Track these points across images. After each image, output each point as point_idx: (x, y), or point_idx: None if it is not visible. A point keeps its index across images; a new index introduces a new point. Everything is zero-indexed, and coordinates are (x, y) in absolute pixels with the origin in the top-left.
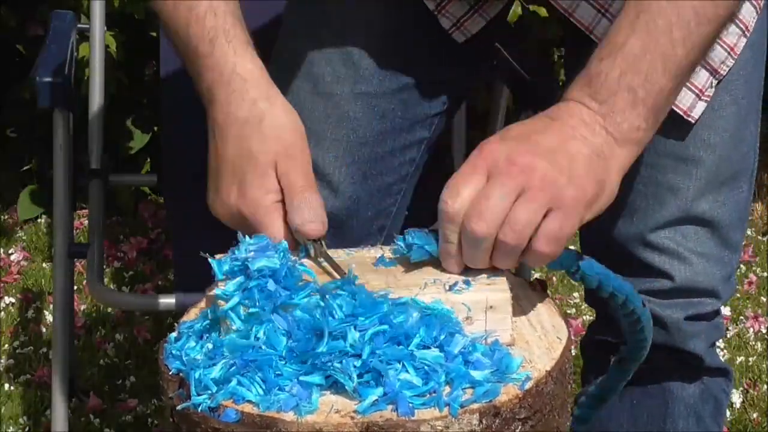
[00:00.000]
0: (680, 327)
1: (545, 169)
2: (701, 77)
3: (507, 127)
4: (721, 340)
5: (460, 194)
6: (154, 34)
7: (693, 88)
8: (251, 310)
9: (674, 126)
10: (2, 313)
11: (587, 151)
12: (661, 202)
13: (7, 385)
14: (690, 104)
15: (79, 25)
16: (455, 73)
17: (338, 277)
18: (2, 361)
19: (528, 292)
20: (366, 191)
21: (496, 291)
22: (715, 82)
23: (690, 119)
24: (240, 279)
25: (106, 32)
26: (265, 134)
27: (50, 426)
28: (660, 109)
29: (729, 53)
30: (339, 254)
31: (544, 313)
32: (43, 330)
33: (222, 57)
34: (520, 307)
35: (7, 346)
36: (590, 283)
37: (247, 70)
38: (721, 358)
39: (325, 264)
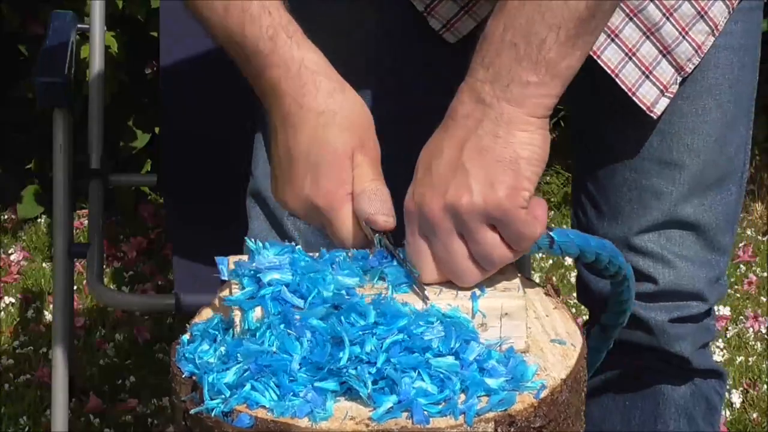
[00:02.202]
0: (665, 329)
1: (452, 201)
2: (666, 73)
3: (418, 160)
4: (720, 340)
5: (425, 269)
6: (155, 34)
7: (657, 83)
8: (265, 319)
9: (636, 120)
10: (2, 313)
11: (484, 143)
12: (645, 206)
13: (7, 385)
14: (654, 99)
15: (79, 26)
16: (452, 72)
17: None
18: (2, 361)
19: (542, 297)
20: None
21: (512, 298)
22: (679, 78)
23: (653, 114)
24: (251, 289)
25: (106, 32)
26: (341, 125)
27: (50, 426)
28: (551, 63)
29: (696, 51)
30: None
31: (558, 319)
32: (43, 330)
33: (286, 53)
34: (534, 313)
35: (7, 346)
36: (571, 252)
37: (314, 61)
38: (720, 357)
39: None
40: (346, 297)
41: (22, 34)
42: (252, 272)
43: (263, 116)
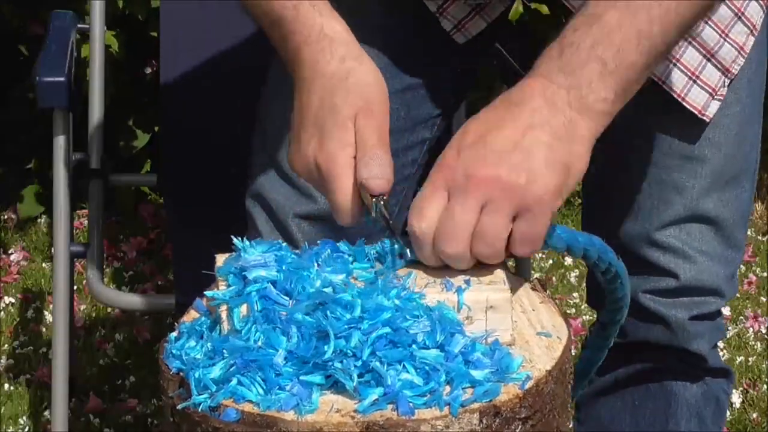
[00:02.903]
0: (685, 327)
1: (503, 176)
2: (714, 76)
3: (464, 127)
4: (720, 340)
5: (425, 216)
6: (155, 34)
7: (706, 87)
8: (249, 315)
9: (687, 125)
10: (2, 313)
11: (546, 139)
12: (667, 201)
13: (7, 385)
14: (704, 103)
15: (79, 25)
16: (457, 72)
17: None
18: (2, 361)
19: (528, 291)
20: None
21: (497, 291)
22: (727, 81)
23: (705, 118)
24: (236, 287)
25: (106, 32)
26: (349, 89)
27: (50, 426)
28: (629, 85)
29: (739, 52)
30: None
31: (544, 312)
32: (43, 330)
33: (309, 19)
34: (521, 307)
35: (7, 346)
36: (559, 249)
37: (335, 30)
38: (720, 357)
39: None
40: (332, 293)
41: (22, 34)
42: (237, 270)
43: (261, 116)
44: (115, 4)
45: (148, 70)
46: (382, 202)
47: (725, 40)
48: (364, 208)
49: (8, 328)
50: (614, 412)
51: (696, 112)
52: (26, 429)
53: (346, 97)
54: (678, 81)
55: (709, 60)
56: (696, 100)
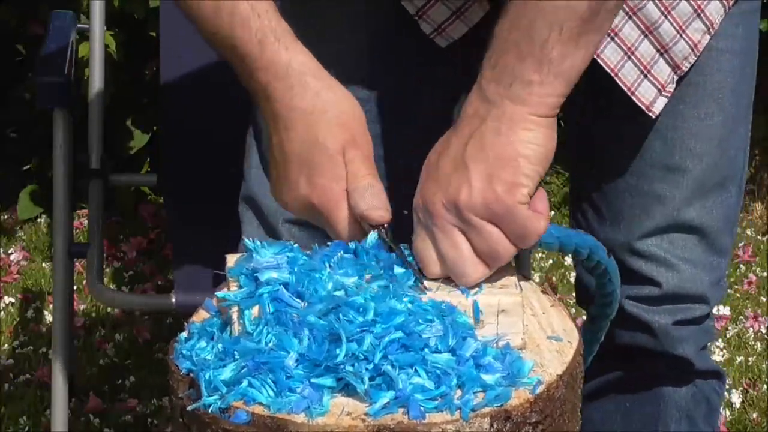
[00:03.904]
0: (668, 332)
1: (461, 196)
2: (663, 72)
3: (427, 158)
4: (720, 340)
5: (429, 264)
6: (154, 34)
7: (655, 82)
8: (261, 317)
9: (638, 124)
10: (2, 312)
11: (488, 139)
12: (648, 211)
13: (7, 385)
14: (652, 99)
15: (78, 25)
16: (444, 73)
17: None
18: (2, 361)
19: (539, 294)
20: None
21: (508, 294)
22: (676, 77)
23: (651, 114)
24: (247, 288)
25: (105, 32)
26: (331, 123)
27: (50, 426)
28: (553, 62)
29: (692, 50)
30: None
31: (555, 316)
32: (43, 330)
33: (274, 56)
34: (531, 310)
35: (7, 346)
36: (551, 247)
37: (301, 62)
38: (720, 357)
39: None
40: (345, 296)
41: (21, 34)
42: (249, 271)
43: (255, 118)
44: (111, 3)
45: (148, 71)
46: (383, 229)
47: (681, 36)
48: (362, 233)
49: (8, 328)
50: (605, 414)
51: (644, 107)
52: (26, 429)
53: (329, 131)
54: (630, 74)
55: (662, 55)
56: (645, 95)
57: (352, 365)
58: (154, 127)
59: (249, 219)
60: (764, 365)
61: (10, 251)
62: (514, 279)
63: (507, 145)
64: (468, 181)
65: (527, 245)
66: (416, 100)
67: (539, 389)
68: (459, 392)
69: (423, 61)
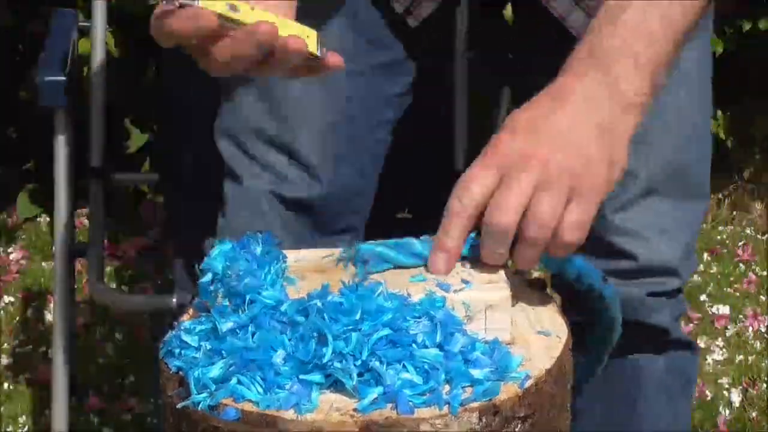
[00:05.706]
0: (643, 302)
1: (560, 159)
2: None
3: (511, 115)
4: (720, 339)
5: (471, 190)
6: None
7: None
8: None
9: None
10: (2, 312)
11: (596, 131)
12: (622, 184)
13: (7, 385)
14: (565, 10)
15: (79, 24)
16: (415, 52)
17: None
18: (2, 360)
19: (528, 290)
20: (341, 173)
21: (496, 290)
22: None
23: (568, 28)
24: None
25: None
26: None
27: (50, 425)
28: (660, 74)
29: None
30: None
31: (544, 311)
32: (43, 330)
33: None
34: (520, 306)
35: (7, 345)
36: (551, 268)
37: None
38: (719, 357)
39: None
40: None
41: (21, 33)
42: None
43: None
44: (109, 1)
45: (148, 71)
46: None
47: None
48: None
49: (8, 328)
50: (584, 393)
51: (559, 18)
52: (26, 428)
53: None
54: (577, 20)
55: None
56: (558, 7)
57: (340, 362)
58: (154, 127)
59: (234, 196)
60: (764, 364)
61: (10, 251)
62: (502, 274)
63: (610, 148)
64: (585, 157)
65: (568, 237)
66: (387, 78)
67: (527, 384)
68: (447, 387)
69: (392, 41)
